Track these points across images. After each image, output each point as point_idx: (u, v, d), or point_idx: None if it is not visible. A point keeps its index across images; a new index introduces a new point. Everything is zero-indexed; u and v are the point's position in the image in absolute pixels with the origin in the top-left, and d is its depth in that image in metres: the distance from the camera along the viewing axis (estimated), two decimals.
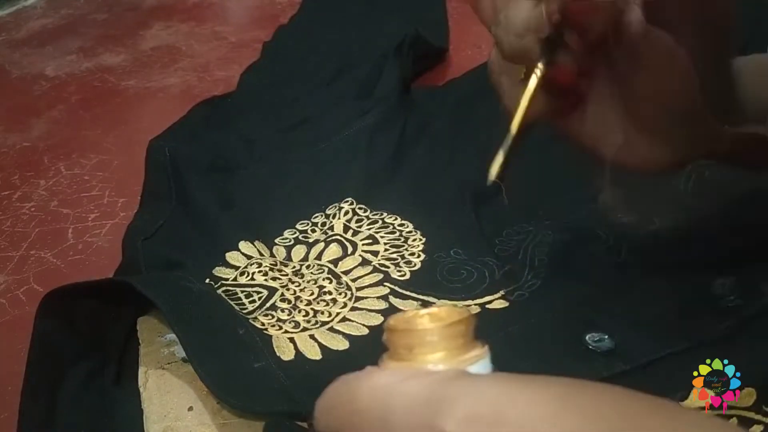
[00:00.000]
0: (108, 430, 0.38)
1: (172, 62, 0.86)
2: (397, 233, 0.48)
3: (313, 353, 0.37)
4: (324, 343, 0.38)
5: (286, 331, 0.39)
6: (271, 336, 0.38)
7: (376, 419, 0.20)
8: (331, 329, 0.39)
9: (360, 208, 0.51)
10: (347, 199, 0.51)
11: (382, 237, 0.48)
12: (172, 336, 0.38)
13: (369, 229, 0.49)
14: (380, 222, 0.49)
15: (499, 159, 0.32)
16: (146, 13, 1.02)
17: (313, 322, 0.40)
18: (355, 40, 0.76)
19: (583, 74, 0.33)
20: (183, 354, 0.37)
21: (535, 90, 0.31)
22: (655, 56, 0.31)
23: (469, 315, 0.22)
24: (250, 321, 0.39)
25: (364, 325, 0.40)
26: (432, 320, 0.21)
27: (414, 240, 0.47)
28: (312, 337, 0.39)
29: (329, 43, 0.78)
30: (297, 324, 0.40)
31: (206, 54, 0.87)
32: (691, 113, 0.32)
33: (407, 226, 0.49)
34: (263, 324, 0.39)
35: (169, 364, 0.38)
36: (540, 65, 0.31)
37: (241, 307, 0.42)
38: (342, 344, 0.38)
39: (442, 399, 0.19)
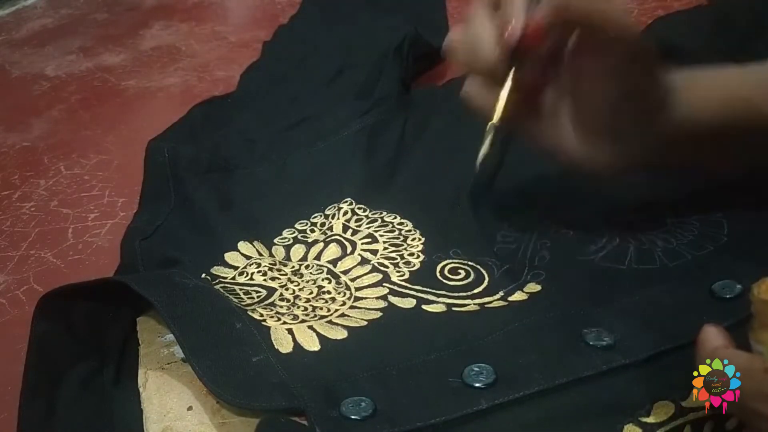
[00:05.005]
0: (108, 430, 0.38)
1: (172, 62, 0.86)
2: (396, 232, 0.48)
3: (312, 344, 0.37)
4: (322, 332, 0.38)
5: (285, 323, 0.39)
6: (269, 327, 0.38)
7: None
8: (330, 322, 0.39)
9: (359, 208, 0.51)
10: (346, 200, 0.51)
11: (381, 236, 0.48)
12: (172, 336, 0.38)
13: (368, 227, 0.49)
14: (379, 221, 0.49)
15: (484, 148, 0.40)
16: (146, 13, 1.02)
17: (311, 315, 0.40)
18: (355, 40, 0.76)
19: (542, 83, 0.40)
20: (182, 354, 0.37)
21: (511, 88, 0.39)
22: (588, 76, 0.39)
23: None
24: (248, 313, 0.39)
25: (362, 319, 0.40)
26: None
27: (413, 239, 0.47)
28: (311, 327, 0.38)
29: (329, 43, 0.78)
30: (296, 317, 0.40)
31: (206, 54, 0.87)
32: (629, 123, 0.39)
33: (406, 225, 0.49)
34: (261, 315, 0.39)
35: (168, 364, 0.38)
36: (512, 71, 0.39)
37: (239, 300, 0.42)
38: (340, 334, 0.38)
39: None
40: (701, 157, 0.42)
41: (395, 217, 0.49)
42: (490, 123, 0.40)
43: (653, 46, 0.38)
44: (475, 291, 0.42)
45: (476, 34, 0.39)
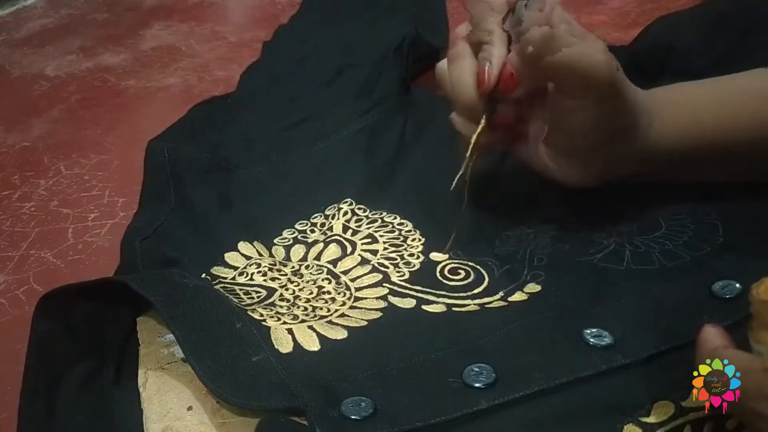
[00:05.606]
0: (108, 430, 0.38)
1: (172, 62, 0.86)
2: (397, 232, 0.48)
3: (312, 344, 0.37)
4: (322, 332, 0.38)
5: (285, 323, 0.39)
6: (269, 327, 0.38)
7: None
8: (330, 322, 0.39)
9: (359, 209, 0.51)
10: (346, 200, 0.51)
11: (381, 236, 0.48)
12: (172, 336, 0.38)
13: (368, 228, 0.49)
14: (379, 221, 0.49)
15: (459, 173, 0.44)
16: (146, 13, 1.02)
17: (311, 315, 0.40)
18: (355, 40, 0.76)
19: (518, 119, 0.44)
20: (182, 354, 0.37)
21: (480, 131, 0.42)
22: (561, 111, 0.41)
23: None
24: (248, 313, 0.39)
25: (362, 319, 0.40)
26: None
27: (413, 240, 0.47)
28: (311, 327, 0.38)
29: (329, 43, 0.78)
30: (296, 317, 0.40)
31: (206, 54, 0.87)
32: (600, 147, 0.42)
33: (407, 225, 0.49)
34: (261, 315, 0.39)
35: (168, 364, 0.38)
36: (483, 119, 0.42)
37: (239, 300, 0.42)
38: (340, 334, 0.38)
39: None
40: (687, 171, 0.44)
41: (395, 218, 0.49)
42: (465, 160, 0.43)
43: (623, 82, 0.40)
44: (475, 291, 0.42)
45: (457, 75, 0.43)
